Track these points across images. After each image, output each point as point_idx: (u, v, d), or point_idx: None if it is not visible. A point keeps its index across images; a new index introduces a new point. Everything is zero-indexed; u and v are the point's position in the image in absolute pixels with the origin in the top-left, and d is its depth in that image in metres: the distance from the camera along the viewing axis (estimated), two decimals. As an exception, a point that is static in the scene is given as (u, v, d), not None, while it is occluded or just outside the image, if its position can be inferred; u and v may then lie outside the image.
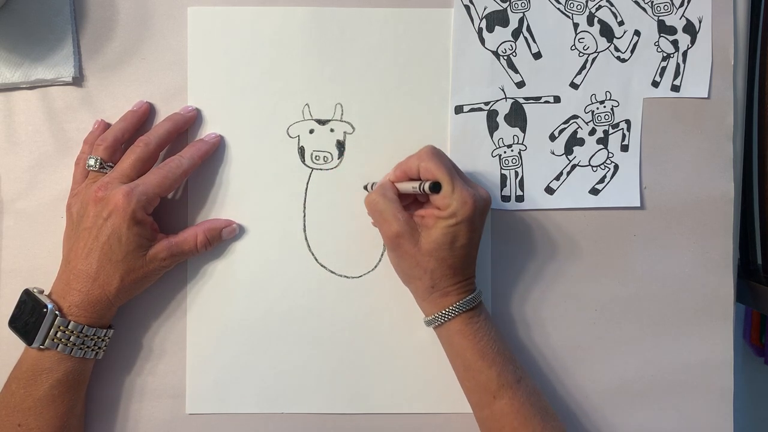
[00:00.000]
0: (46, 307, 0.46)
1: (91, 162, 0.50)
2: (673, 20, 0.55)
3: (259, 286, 0.54)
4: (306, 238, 0.54)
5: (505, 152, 0.55)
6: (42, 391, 0.47)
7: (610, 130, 0.55)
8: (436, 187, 0.46)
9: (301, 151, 0.54)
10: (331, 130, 0.55)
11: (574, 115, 0.55)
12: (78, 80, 0.54)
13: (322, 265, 0.54)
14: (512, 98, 0.55)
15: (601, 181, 0.55)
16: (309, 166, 0.54)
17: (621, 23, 0.55)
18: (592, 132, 0.55)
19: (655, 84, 0.55)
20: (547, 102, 0.55)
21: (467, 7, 0.54)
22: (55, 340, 0.46)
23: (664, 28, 0.55)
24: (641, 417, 0.55)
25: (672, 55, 0.55)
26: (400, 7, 0.54)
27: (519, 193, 0.55)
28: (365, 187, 0.54)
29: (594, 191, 0.55)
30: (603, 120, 0.55)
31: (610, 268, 0.55)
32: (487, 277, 0.54)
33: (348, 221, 0.54)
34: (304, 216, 0.54)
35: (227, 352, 0.54)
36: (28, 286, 0.49)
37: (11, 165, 0.54)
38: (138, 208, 0.47)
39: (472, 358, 0.47)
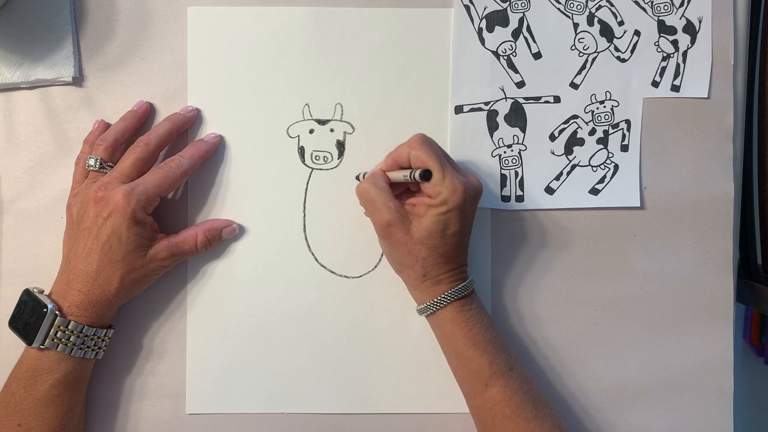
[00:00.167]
0: (46, 307, 0.46)
1: (91, 162, 0.50)
2: (673, 20, 0.55)
3: (259, 286, 0.54)
4: (306, 238, 0.54)
5: (505, 152, 0.55)
6: (42, 391, 0.47)
7: (610, 130, 0.55)
8: (426, 174, 0.46)
9: (301, 151, 0.54)
10: (331, 130, 0.55)
11: (574, 115, 0.55)
12: (78, 80, 0.54)
13: (322, 265, 0.54)
14: (512, 98, 0.55)
15: (601, 181, 0.55)
16: (309, 166, 0.54)
17: (621, 23, 0.55)
18: (592, 132, 0.55)
19: (655, 84, 0.55)
20: (547, 102, 0.55)
21: (467, 7, 0.54)
22: (55, 340, 0.46)
23: (664, 28, 0.55)
24: (641, 416, 0.55)
25: (672, 55, 0.55)
26: (400, 7, 0.54)
27: (519, 193, 0.55)
28: (357, 177, 0.54)
29: (594, 191, 0.55)
30: (603, 120, 0.55)
31: (610, 268, 0.55)
32: (487, 277, 0.54)
33: (348, 221, 0.54)
34: (304, 216, 0.54)
35: (227, 352, 0.54)
36: (28, 286, 0.49)
37: (11, 165, 0.54)
38: (138, 208, 0.47)
39: (464, 346, 0.47)
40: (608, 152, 0.55)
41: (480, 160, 0.55)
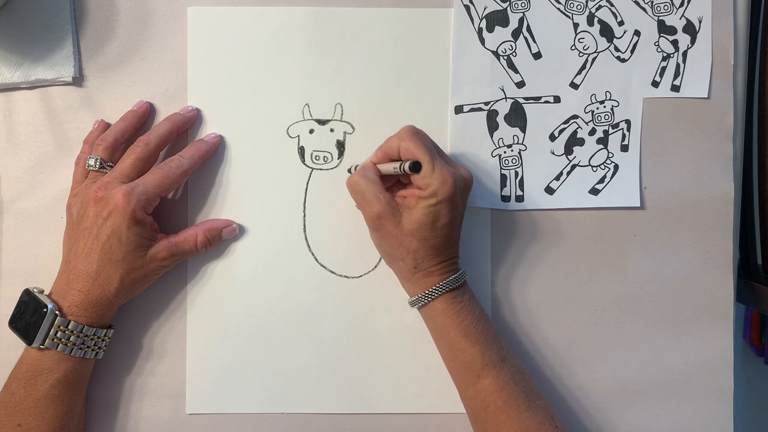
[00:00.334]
0: (46, 306, 0.46)
1: (91, 162, 0.50)
2: (673, 20, 0.55)
3: (259, 286, 0.54)
4: (306, 238, 0.54)
5: (505, 152, 0.55)
6: (42, 391, 0.47)
7: (610, 130, 0.55)
8: (416, 166, 0.46)
9: (301, 151, 0.54)
10: (331, 130, 0.55)
11: (574, 115, 0.55)
12: (78, 80, 0.54)
13: (322, 265, 0.54)
14: (512, 98, 0.55)
15: (601, 181, 0.55)
16: (309, 166, 0.54)
17: (621, 23, 0.55)
18: (592, 132, 0.55)
19: (655, 84, 0.55)
20: (547, 102, 0.55)
21: (467, 7, 0.54)
22: (55, 340, 0.46)
23: (664, 28, 0.55)
24: (641, 417, 0.55)
25: (672, 55, 0.55)
26: (400, 7, 0.54)
27: (519, 193, 0.55)
28: (348, 170, 0.54)
29: (594, 191, 0.55)
30: (603, 120, 0.55)
31: (610, 268, 0.55)
32: (487, 277, 0.54)
33: (348, 221, 0.54)
34: (304, 216, 0.54)
35: (227, 352, 0.54)
36: (28, 286, 0.49)
37: (11, 165, 0.54)
38: (138, 208, 0.47)
39: (456, 338, 0.47)
40: (608, 152, 0.55)
41: (480, 160, 0.55)
